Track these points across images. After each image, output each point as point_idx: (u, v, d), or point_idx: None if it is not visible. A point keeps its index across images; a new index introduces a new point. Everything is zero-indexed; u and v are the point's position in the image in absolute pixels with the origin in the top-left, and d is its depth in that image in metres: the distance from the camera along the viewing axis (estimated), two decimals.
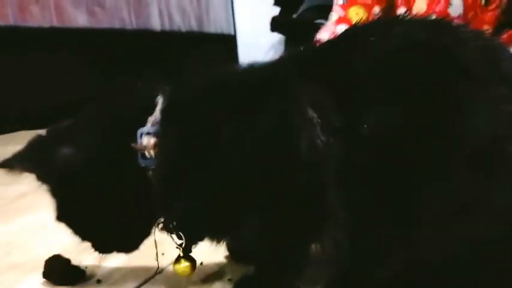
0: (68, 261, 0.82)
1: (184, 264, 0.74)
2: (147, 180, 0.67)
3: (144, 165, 0.67)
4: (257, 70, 0.70)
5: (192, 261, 0.75)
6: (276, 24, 3.57)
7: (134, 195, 0.69)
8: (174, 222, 0.72)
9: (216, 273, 0.81)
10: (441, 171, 0.59)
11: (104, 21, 3.29)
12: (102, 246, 0.75)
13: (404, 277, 0.63)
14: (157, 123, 0.66)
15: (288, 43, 3.64)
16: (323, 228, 0.64)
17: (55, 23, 2.99)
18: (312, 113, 0.62)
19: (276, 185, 0.63)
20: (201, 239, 0.75)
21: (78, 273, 0.82)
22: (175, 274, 0.75)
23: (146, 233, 0.74)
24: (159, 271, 0.76)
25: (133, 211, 0.70)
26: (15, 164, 0.70)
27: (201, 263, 0.82)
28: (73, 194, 0.70)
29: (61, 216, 0.73)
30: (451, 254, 0.61)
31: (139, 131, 0.66)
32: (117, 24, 3.39)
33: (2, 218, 1.20)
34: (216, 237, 0.72)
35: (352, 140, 0.61)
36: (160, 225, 0.73)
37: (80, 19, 3.13)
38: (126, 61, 3.35)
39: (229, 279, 0.77)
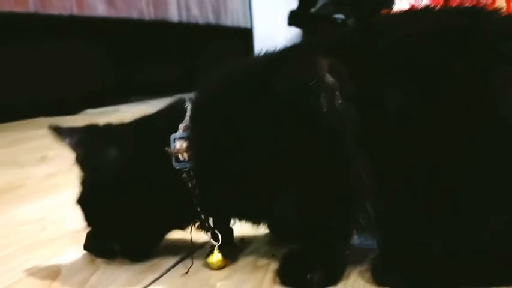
0: None
1: (217, 258, 0.74)
2: (181, 182, 0.71)
3: (178, 167, 0.71)
4: (276, 52, 0.74)
5: (226, 254, 0.75)
6: (293, 19, 3.57)
7: (169, 198, 0.73)
8: (210, 221, 0.74)
9: (258, 249, 0.80)
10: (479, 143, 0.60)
11: (122, 11, 3.30)
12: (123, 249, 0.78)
13: (451, 251, 0.63)
14: (188, 128, 0.71)
15: (304, 37, 3.63)
16: (356, 197, 0.64)
17: (75, 11, 2.99)
18: (330, 79, 0.64)
19: (301, 155, 0.65)
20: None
21: None
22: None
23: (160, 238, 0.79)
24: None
25: (167, 213, 0.75)
26: (68, 137, 0.75)
27: (242, 239, 0.82)
28: (107, 191, 0.75)
29: (83, 203, 0.77)
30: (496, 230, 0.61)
31: (172, 137, 0.71)
32: (135, 14, 3.39)
33: (33, 196, 1.22)
34: (256, 222, 0.75)
35: (374, 110, 0.63)
36: (197, 224, 0.76)
37: (99, 8, 3.13)
38: (143, 51, 3.36)
39: (273, 255, 0.76)
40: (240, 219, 0.76)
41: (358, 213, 0.65)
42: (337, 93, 0.64)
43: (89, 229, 0.80)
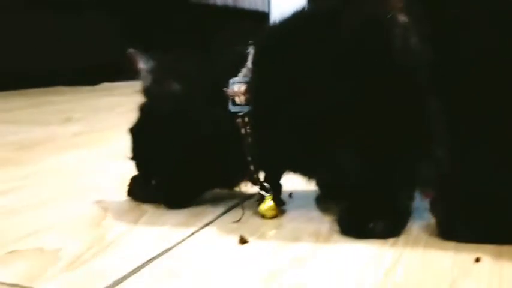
0: None
1: (269, 206, 0.72)
2: (235, 128, 0.69)
3: (234, 110, 0.69)
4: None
5: (278, 202, 0.73)
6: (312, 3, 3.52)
7: (220, 143, 0.71)
8: (262, 171, 0.72)
9: (309, 203, 0.78)
10: None
11: None
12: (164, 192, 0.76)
13: None
14: (249, 73, 0.69)
15: None
16: (426, 144, 0.62)
17: None
18: (403, 17, 0.61)
19: (370, 96, 0.62)
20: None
21: None
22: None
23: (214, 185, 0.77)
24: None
25: (216, 160, 0.72)
26: (142, 62, 0.75)
27: (290, 195, 0.80)
28: (162, 124, 0.73)
29: (136, 131, 0.76)
30: None
31: (231, 80, 0.69)
32: None
33: (62, 150, 1.21)
34: (309, 175, 0.72)
35: (450, 53, 0.60)
36: (246, 176, 0.74)
37: None
38: (158, 29, 3.33)
39: (325, 209, 0.74)
40: (292, 171, 0.73)
41: (426, 161, 0.62)
42: (411, 32, 0.61)
43: (132, 176, 0.79)
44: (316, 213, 0.74)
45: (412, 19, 0.61)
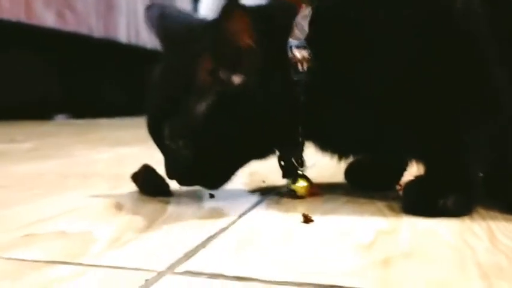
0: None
1: (303, 184, 0.66)
2: (294, 98, 0.61)
3: (296, 78, 0.61)
4: None
5: (309, 181, 0.67)
6: None
7: (278, 114, 0.62)
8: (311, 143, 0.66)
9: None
10: None
11: (72, 25, 3.15)
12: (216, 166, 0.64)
13: None
14: (303, 35, 0.62)
15: None
16: (494, 111, 0.58)
17: (23, 18, 2.82)
18: None
19: (434, 61, 0.57)
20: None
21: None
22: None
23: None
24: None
25: (268, 130, 0.62)
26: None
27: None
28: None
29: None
30: None
31: (288, 44, 0.61)
32: (84, 30, 3.25)
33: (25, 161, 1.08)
34: (361, 153, 0.67)
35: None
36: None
37: (48, 19, 2.97)
38: (87, 67, 3.22)
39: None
40: (343, 146, 0.66)
41: (496, 130, 0.57)
42: None
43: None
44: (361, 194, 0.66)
45: None
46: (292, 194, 0.66)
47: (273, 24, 0.62)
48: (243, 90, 0.60)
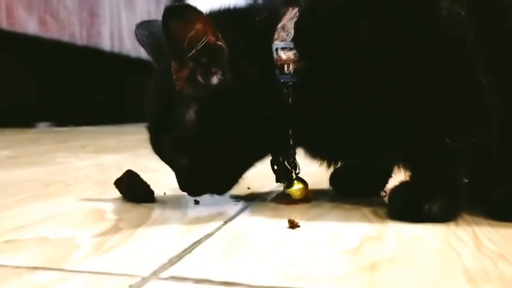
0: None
1: (298, 187, 0.66)
2: (281, 100, 0.62)
3: (282, 80, 0.61)
4: None
5: (305, 183, 0.67)
6: None
7: (266, 116, 0.63)
8: (300, 147, 0.66)
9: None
10: None
11: (54, 32, 3.13)
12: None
13: None
14: (290, 37, 0.62)
15: None
16: (480, 116, 0.58)
17: (4, 25, 2.79)
18: None
19: (420, 66, 0.57)
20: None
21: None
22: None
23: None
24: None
25: (256, 132, 0.63)
26: None
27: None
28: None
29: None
30: None
31: (274, 46, 0.62)
32: (66, 37, 3.23)
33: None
34: (347, 159, 0.67)
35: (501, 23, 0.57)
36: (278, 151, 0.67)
37: (30, 26, 2.95)
38: (69, 75, 3.19)
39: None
40: (328, 149, 0.66)
41: (481, 135, 0.58)
42: (457, 4, 0.57)
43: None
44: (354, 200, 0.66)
45: None
46: (287, 198, 0.66)
47: (251, 25, 0.63)
48: (223, 89, 0.60)
